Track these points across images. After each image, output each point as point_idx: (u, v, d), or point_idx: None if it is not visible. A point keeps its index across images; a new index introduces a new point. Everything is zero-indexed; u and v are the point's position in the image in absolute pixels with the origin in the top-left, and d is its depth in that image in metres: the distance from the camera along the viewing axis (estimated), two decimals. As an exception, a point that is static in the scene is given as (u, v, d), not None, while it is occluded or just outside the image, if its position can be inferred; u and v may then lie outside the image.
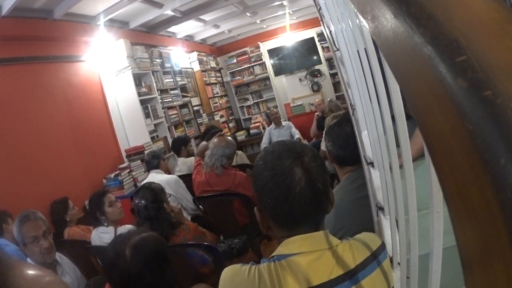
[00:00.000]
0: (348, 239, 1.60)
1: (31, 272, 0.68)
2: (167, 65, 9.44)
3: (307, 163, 1.46)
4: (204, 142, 6.29)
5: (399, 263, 1.41)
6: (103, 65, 7.65)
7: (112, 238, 3.23)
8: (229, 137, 5.17)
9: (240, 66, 13.43)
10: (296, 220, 1.48)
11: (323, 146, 4.80)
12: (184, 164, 6.93)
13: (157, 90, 8.51)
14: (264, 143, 10.04)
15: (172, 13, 8.54)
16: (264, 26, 12.83)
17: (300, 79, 13.28)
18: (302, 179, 1.42)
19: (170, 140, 8.23)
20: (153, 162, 6.01)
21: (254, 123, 12.80)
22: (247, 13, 10.33)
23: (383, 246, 1.57)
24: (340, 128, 2.81)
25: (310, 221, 1.50)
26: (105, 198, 4.47)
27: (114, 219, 4.44)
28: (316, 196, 1.45)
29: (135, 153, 7.32)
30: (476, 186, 0.33)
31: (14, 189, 5.01)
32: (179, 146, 7.40)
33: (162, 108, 8.54)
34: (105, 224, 4.34)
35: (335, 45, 2.74)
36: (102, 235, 4.28)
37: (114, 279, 2.35)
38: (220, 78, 13.49)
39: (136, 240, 2.38)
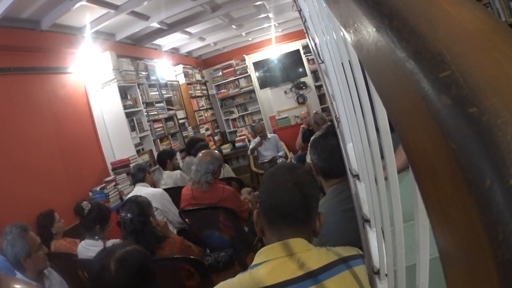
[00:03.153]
0: (324, 247, 1.80)
1: (18, 286, 0.69)
2: (152, 77, 9.40)
3: (298, 174, 1.83)
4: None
5: (386, 275, 1.41)
6: (89, 77, 7.61)
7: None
8: (215, 151, 5.13)
9: (226, 79, 13.41)
10: (281, 214, 1.76)
11: (308, 159, 4.81)
12: (169, 177, 6.91)
13: (143, 103, 8.47)
14: (250, 146, 10.12)
15: (158, 26, 8.55)
16: (250, 39, 12.85)
17: (285, 92, 13.28)
18: (289, 182, 1.78)
19: (155, 153, 8.20)
20: (139, 175, 5.97)
21: (240, 136, 12.82)
22: (232, 26, 10.35)
23: (359, 256, 1.78)
24: (325, 140, 2.81)
25: (292, 221, 1.75)
26: (111, 215, 4.44)
27: (107, 236, 4.40)
28: (297, 199, 1.75)
29: (121, 166, 7.28)
30: (460, 207, 0.33)
31: (-1, 201, 4.95)
32: (165, 159, 7.38)
33: (148, 121, 8.50)
34: (96, 237, 4.27)
35: (320, 58, 2.74)
36: (89, 248, 4.22)
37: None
38: (206, 91, 13.46)
39: (121, 253, 2.37)
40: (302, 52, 12.82)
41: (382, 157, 1.00)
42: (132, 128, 7.79)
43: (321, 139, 2.85)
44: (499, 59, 0.34)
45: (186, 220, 5.00)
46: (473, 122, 0.31)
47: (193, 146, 7.81)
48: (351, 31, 0.60)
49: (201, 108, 12.45)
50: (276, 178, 1.84)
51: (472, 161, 0.31)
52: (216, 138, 12.93)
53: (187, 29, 9.60)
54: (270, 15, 10.01)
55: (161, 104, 9.56)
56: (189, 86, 11.83)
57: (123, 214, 3.69)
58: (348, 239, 2.15)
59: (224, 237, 4.64)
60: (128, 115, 7.74)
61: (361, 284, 1.66)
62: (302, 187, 1.78)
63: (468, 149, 0.31)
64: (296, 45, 12.86)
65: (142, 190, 5.44)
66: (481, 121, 0.31)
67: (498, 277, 0.29)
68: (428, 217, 0.41)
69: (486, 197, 0.30)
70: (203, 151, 4.92)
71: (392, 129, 0.87)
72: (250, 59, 13.37)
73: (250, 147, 10.20)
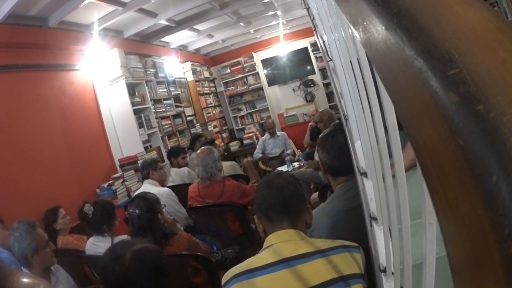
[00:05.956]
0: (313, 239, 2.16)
1: (27, 280, 0.70)
2: (160, 75, 9.41)
3: (283, 178, 2.23)
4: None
5: (393, 273, 1.41)
6: (97, 74, 7.63)
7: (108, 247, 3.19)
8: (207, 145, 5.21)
9: (234, 76, 13.40)
10: (276, 210, 2.09)
11: (316, 156, 4.81)
12: (177, 174, 6.88)
13: (151, 100, 8.49)
14: (257, 152, 10.07)
15: (166, 23, 8.56)
16: (258, 36, 12.84)
17: (293, 89, 13.26)
18: (278, 184, 2.15)
19: (163, 150, 8.22)
20: (143, 172, 5.95)
21: (248, 133, 12.80)
22: (241, 23, 10.34)
23: (358, 247, 2.03)
24: (333, 138, 2.81)
25: (286, 214, 2.09)
26: (115, 210, 4.44)
27: (115, 231, 4.38)
28: (287, 195, 2.11)
29: (128, 162, 7.29)
30: (467, 202, 0.33)
31: (7, 196, 4.97)
32: (170, 157, 7.42)
33: (156, 118, 8.51)
34: (105, 234, 4.26)
35: (328, 55, 2.74)
36: (98, 244, 4.20)
37: (108, 281, 2.33)
38: (214, 88, 13.46)
39: (139, 247, 2.37)
40: (310, 49, 12.80)
41: (390, 155, 1.00)
42: (140, 125, 7.81)
43: (329, 137, 2.85)
44: (506, 58, 0.34)
45: (193, 216, 5.02)
46: (480, 119, 0.32)
47: (194, 143, 7.97)
48: (360, 29, 0.61)
49: (209, 105, 12.45)
50: (268, 184, 2.20)
51: (479, 157, 0.31)
52: (224, 135, 12.93)
53: (195, 26, 9.59)
54: (278, 12, 10.01)
55: (169, 101, 9.58)
56: (197, 83, 11.83)
57: (131, 210, 3.69)
58: (355, 236, 2.15)
59: (230, 234, 4.66)
60: (136, 112, 7.77)
61: (359, 264, 1.95)
62: (289, 186, 2.15)
63: (475, 145, 0.32)
64: (304, 42, 12.83)
65: (148, 188, 5.40)
66: (488, 118, 0.31)
67: (504, 271, 0.29)
68: (435, 213, 0.41)
69: (492, 192, 0.30)
70: (197, 152, 4.98)
71: (400, 127, 0.88)
72: (258, 57, 13.36)
73: (256, 152, 10.21)
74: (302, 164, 7.84)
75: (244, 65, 13.26)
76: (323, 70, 12.52)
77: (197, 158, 4.76)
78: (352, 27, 0.71)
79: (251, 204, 4.71)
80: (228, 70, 13.50)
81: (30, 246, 3.41)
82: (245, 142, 12.45)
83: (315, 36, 4.27)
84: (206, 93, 12.52)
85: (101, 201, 4.75)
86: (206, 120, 11.75)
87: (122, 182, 6.91)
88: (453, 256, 0.39)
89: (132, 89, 8.02)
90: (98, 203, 4.55)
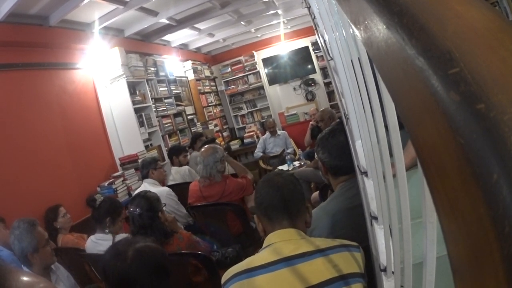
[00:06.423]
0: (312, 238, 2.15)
1: (27, 278, 0.70)
2: (161, 73, 9.40)
3: (283, 177, 2.23)
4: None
5: (393, 272, 1.41)
6: (98, 73, 7.61)
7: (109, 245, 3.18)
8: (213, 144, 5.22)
9: (235, 75, 13.39)
10: (276, 209, 2.09)
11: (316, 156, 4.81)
12: (177, 173, 6.89)
13: (151, 98, 8.48)
14: (258, 151, 10.07)
15: (167, 22, 8.54)
16: (259, 35, 12.82)
17: (294, 88, 13.24)
18: (278, 182, 2.15)
19: (164, 149, 8.22)
20: (143, 171, 5.96)
21: (248, 132, 12.78)
22: (241, 22, 10.32)
23: (358, 246, 2.03)
24: (334, 138, 2.81)
25: (286, 213, 2.08)
26: (122, 209, 4.43)
27: (117, 230, 4.37)
28: (286, 194, 2.11)
29: (129, 161, 7.28)
30: (468, 201, 0.33)
31: (7, 195, 4.97)
32: (171, 156, 7.42)
33: (156, 117, 8.50)
34: (106, 230, 4.25)
35: (329, 54, 2.74)
36: (99, 242, 4.18)
37: (109, 278, 2.32)
38: (215, 87, 13.45)
39: (141, 245, 2.37)
40: (311, 48, 12.78)
41: (391, 154, 1.00)
42: (141, 124, 7.79)
43: (329, 137, 2.84)
44: (506, 57, 0.34)
45: (193, 214, 5.03)
46: (480, 118, 0.32)
47: (194, 142, 8.00)
48: (361, 28, 0.61)
49: (210, 104, 12.45)
50: (268, 183, 2.20)
51: (480, 156, 0.31)
52: (224, 134, 12.93)
53: (196, 25, 9.57)
54: (279, 11, 10.00)
55: (170, 100, 9.57)
56: (198, 82, 11.82)
57: (132, 209, 3.69)
58: (356, 236, 2.16)
59: (230, 233, 4.66)
60: (137, 111, 7.75)
61: (358, 263, 1.95)
62: (289, 185, 2.15)
63: (475, 144, 0.32)
64: (305, 41, 12.82)
65: (148, 188, 5.37)
66: (489, 117, 0.31)
67: (504, 270, 0.30)
68: (436, 212, 0.41)
69: (493, 191, 0.30)
70: (202, 149, 4.98)
71: (400, 126, 0.88)
72: (259, 56, 13.35)
73: (257, 151, 10.21)
74: (302, 163, 7.84)
75: (245, 64, 13.26)
76: (324, 69, 12.51)
77: (201, 156, 4.78)
78: (353, 26, 0.71)
79: (247, 194, 4.74)
80: (229, 69, 13.49)
81: (31, 244, 3.40)
82: (245, 141, 12.44)
83: (316, 35, 4.27)
84: (207, 92, 12.52)
85: (111, 197, 4.76)
86: (207, 119, 11.75)
87: (122, 180, 6.91)
88: (454, 255, 0.39)
89: (132, 88, 8.01)
90: (108, 197, 4.56)
